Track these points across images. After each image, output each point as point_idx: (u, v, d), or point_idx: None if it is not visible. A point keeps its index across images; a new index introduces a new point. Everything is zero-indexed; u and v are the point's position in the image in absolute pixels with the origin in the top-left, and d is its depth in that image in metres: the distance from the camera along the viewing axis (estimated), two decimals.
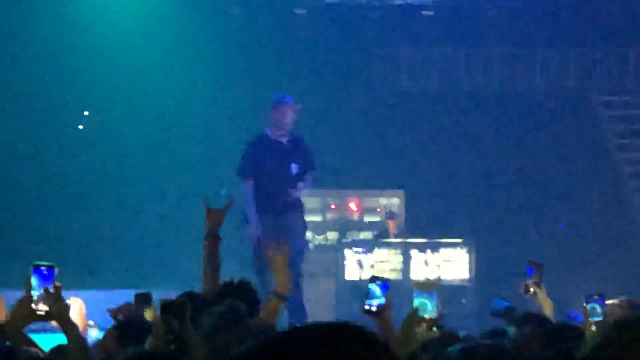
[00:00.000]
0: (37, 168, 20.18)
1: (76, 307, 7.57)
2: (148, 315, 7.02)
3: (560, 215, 20.54)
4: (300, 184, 12.65)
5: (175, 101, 20.69)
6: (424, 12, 22.88)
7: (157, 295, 8.30)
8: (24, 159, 20.21)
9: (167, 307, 4.69)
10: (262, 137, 12.82)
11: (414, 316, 5.18)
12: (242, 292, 6.04)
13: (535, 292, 7.38)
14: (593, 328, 6.11)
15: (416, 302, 5.21)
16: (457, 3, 22.69)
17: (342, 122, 20.93)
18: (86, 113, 21.41)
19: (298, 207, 12.68)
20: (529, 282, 7.39)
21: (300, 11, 22.48)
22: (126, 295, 8.16)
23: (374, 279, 5.33)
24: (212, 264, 6.37)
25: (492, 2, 22.81)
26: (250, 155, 12.68)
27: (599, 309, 6.02)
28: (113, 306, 7.05)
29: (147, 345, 4.76)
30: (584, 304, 6.27)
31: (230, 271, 6.91)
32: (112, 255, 19.03)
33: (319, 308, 16.90)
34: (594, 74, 22.95)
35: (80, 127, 21.41)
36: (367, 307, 5.22)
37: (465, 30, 22.64)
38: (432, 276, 15.85)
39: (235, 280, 6.18)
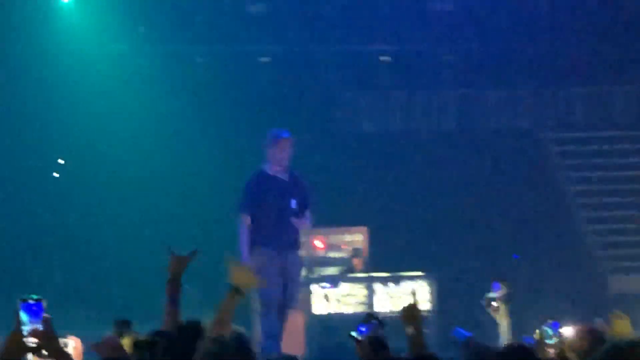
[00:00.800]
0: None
1: (72, 346, 7.53)
2: (125, 342, 7.06)
3: (514, 247, 20.68)
4: (304, 220, 12.13)
5: (145, 144, 20.67)
6: (381, 58, 23.12)
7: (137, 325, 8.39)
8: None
9: (139, 344, 4.72)
10: (261, 174, 12.24)
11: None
12: (196, 332, 6.01)
13: (497, 308, 7.26)
14: (550, 350, 6.23)
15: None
16: (413, 49, 22.91)
17: (306, 164, 21.03)
18: (61, 161, 21.45)
19: (299, 246, 12.33)
20: (491, 296, 7.27)
21: (264, 59, 22.68)
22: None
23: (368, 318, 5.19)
24: (172, 306, 6.37)
25: (446, 48, 23.06)
26: (250, 193, 12.18)
27: (551, 332, 6.09)
28: (94, 341, 7.08)
29: None
30: (537, 329, 6.37)
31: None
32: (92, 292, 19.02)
33: (290, 340, 16.95)
34: (543, 113, 23.21)
35: (56, 174, 21.44)
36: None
37: (421, 74, 22.86)
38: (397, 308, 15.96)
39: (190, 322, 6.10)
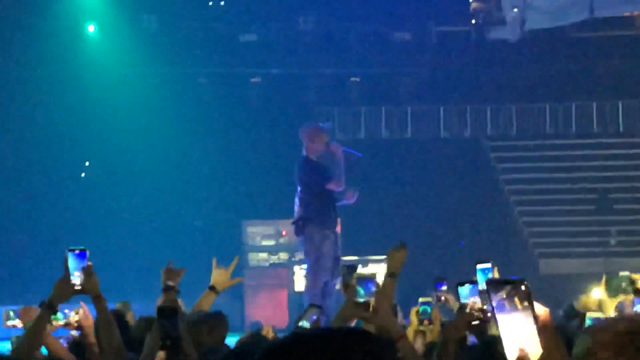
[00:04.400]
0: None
1: (82, 310, 6.94)
2: (129, 317, 6.70)
3: (461, 236, 20.79)
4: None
5: (156, 149, 20.66)
6: (352, 79, 23.17)
7: (136, 305, 8.22)
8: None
9: (162, 311, 4.29)
10: (309, 160, 10.90)
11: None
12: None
13: (447, 299, 6.92)
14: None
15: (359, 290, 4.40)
16: (378, 72, 22.98)
17: (291, 167, 21.13)
18: (87, 163, 21.48)
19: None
20: (439, 293, 6.96)
21: (255, 79, 22.71)
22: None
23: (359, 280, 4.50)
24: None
25: (405, 70, 23.12)
26: (317, 169, 10.89)
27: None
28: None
29: (146, 346, 4.42)
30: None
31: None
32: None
33: (275, 313, 17.08)
34: (485, 125, 23.27)
35: (83, 174, 21.44)
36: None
37: (384, 92, 22.92)
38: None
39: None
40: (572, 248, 21.05)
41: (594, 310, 4.84)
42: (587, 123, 23.06)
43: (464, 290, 4.72)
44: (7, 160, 20.44)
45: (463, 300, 4.68)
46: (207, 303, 5.89)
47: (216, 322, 5.41)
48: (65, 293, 4.50)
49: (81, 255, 4.50)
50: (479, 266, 4.95)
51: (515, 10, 22.18)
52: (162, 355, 4.38)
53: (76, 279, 4.48)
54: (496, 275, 4.96)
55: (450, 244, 20.38)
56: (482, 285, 4.79)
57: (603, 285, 4.98)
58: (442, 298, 6.76)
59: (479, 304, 4.63)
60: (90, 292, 4.51)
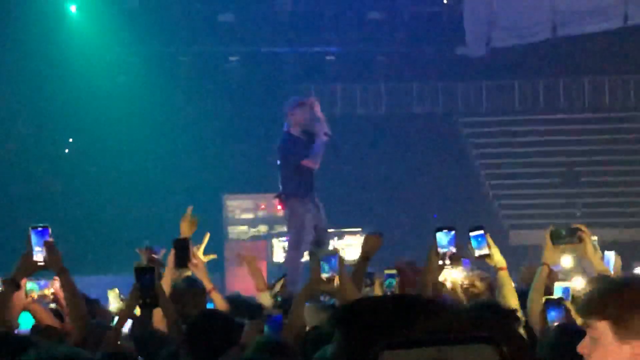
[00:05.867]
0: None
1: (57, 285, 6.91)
2: (111, 295, 6.62)
3: (434, 209, 20.88)
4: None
5: (140, 126, 20.56)
6: (327, 57, 23.18)
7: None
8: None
9: (138, 270, 4.40)
10: (288, 134, 10.47)
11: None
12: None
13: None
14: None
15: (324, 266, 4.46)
16: (352, 49, 23.00)
17: (268, 142, 21.12)
18: (70, 140, 21.38)
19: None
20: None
21: (233, 58, 22.68)
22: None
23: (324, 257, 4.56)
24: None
25: (380, 49, 23.15)
26: (295, 144, 10.34)
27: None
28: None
29: (124, 304, 4.64)
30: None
31: None
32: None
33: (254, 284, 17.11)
34: (457, 102, 23.39)
35: (66, 151, 21.37)
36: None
37: (359, 70, 22.95)
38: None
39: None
40: (540, 220, 21.20)
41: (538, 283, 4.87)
42: (554, 100, 23.17)
43: (442, 237, 4.78)
44: None
45: (441, 247, 4.75)
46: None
47: (198, 290, 5.45)
48: (28, 268, 4.55)
49: (44, 232, 4.52)
50: (472, 234, 4.96)
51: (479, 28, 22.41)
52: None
53: (38, 254, 4.50)
54: (490, 241, 4.98)
55: (423, 217, 20.45)
56: (477, 252, 4.92)
57: (548, 234, 5.03)
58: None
59: (453, 251, 4.78)
60: (53, 267, 4.56)
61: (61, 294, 5.29)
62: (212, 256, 6.29)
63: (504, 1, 22.45)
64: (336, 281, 4.52)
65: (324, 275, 4.52)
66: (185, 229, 5.68)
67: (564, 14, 21.82)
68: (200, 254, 5.78)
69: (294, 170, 10.56)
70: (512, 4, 22.37)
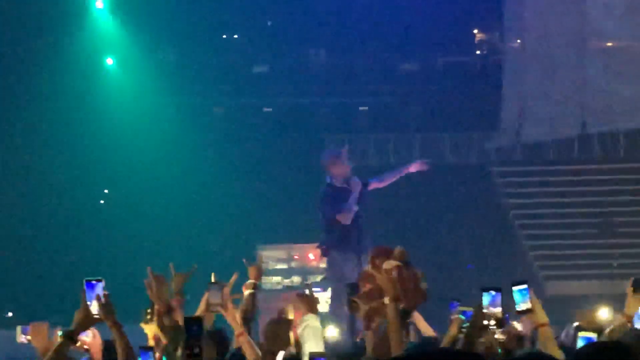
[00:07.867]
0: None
1: (92, 335, 6.82)
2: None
3: (469, 259, 20.72)
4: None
5: (174, 174, 20.71)
6: (360, 108, 23.24)
7: None
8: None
9: (188, 321, 4.35)
10: (329, 186, 10.50)
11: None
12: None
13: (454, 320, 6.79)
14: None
15: None
16: (385, 101, 23.04)
17: (304, 193, 21.14)
18: (106, 191, 21.51)
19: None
20: (455, 314, 6.82)
21: (267, 109, 22.80)
22: None
23: None
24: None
25: (414, 98, 23.19)
26: (333, 198, 10.44)
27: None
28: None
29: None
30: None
31: None
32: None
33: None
34: (490, 152, 23.29)
35: (102, 201, 21.48)
36: None
37: (393, 120, 22.95)
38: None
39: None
40: (575, 271, 21.00)
41: (591, 330, 4.88)
42: (588, 149, 23.06)
43: (486, 297, 4.86)
44: (32, 189, 20.50)
45: (486, 307, 4.85)
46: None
47: (221, 338, 5.40)
48: (85, 323, 4.60)
49: (97, 285, 4.58)
50: (515, 288, 4.97)
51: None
52: None
53: (93, 307, 4.56)
54: (533, 296, 4.97)
55: (457, 267, 20.33)
56: (519, 307, 4.92)
57: (630, 284, 5.19)
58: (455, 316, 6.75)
59: (498, 314, 4.86)
60: (107, 320, 4.61)
61: (94, 344, 5.28)
62: (237, 296, 6.23)
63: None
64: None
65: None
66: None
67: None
68: (227, 294, 5.71)
69: (332, 223, 10.61)
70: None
